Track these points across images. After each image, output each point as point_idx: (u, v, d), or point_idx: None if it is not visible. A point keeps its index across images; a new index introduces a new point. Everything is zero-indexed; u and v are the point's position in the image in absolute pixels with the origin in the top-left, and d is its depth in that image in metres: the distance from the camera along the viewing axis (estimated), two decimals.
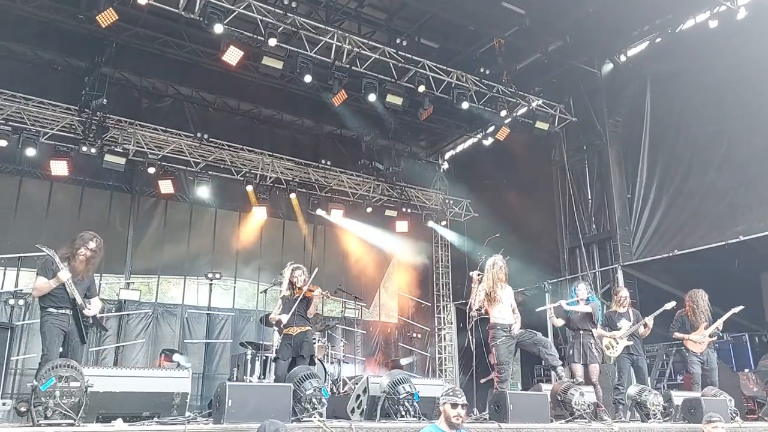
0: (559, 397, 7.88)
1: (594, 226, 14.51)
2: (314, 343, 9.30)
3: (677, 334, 9.75)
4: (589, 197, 14.74)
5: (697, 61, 12.90)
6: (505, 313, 8.47)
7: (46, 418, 5.07)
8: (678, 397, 8.74)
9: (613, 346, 9.41)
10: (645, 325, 9.42)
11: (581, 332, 9.35)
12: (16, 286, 13.46)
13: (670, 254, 12.69)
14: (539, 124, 14.57)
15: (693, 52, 13.00)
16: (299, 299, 8.34)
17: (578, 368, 9.21)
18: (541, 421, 7.35)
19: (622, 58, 14.80)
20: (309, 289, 8.64)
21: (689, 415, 8.25)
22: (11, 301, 12.76)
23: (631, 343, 9.40)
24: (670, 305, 9.50)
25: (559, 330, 11.00)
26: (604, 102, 14.73)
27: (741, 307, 9.58)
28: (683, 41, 13.41)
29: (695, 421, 7.87)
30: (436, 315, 19.01)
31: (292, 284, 8.55)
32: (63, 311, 6.63)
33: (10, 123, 13.05)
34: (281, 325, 8.47)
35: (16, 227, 14.04)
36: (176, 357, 13.04)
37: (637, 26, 14.18)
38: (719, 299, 9.70)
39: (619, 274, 13.46)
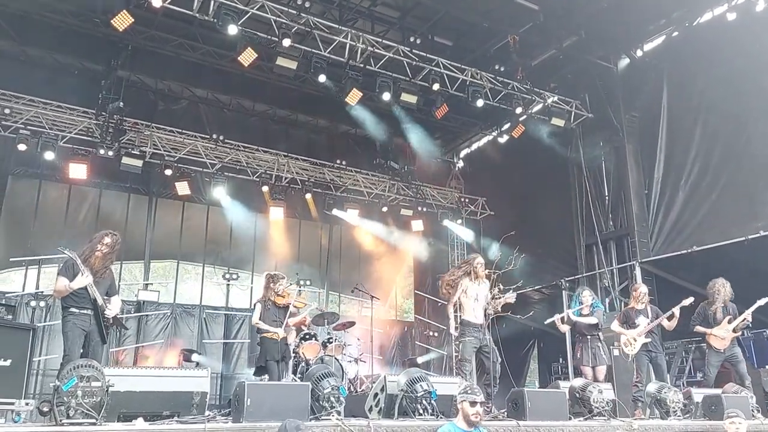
0: (577, 395, 7.84)
1: (611, 222, 14.40)
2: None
3: (699, 328, 9.40)
4: (606, 194, 14.62)
5: (715, 55, 12.72)
6: (477, 312, 8.45)
7: (68, 417, 5.10)
8: (698, 394, 8.64)
9: (630, 344, 9.34)
10: (671, 316, 9.18)
11: (588, 337, 9.42)
12: (37, 287, 13.63)
13: (689, 250, 12.57)
14: (555, 121, 14.49)
15: (711, 46, 12.84)
16: (288, 308, 9.14)
17: (588, 371, 9.40)
18: (559, 418, 7.30)
19: (639, 52, 14.67)
20: (301, 303, 9.63)
21: (710, 413, 8.16)
22: (32, 303, 12.90)
23: (649, 340, 9.30)
24: (688, 301, 9.30)
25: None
26: (620, 97, 14.57)
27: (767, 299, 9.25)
28: (701, 35, 13.25)
29: (716, 419, 7.78)
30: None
31: (271, 291, 9.13)
32: (85, 311, 6.72)
33: (29, 127, 13.20)
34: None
35: (36, 230, 14.25)
36: (195, 357, 13.14)
37: (654, 20, 14.04)
38: (739, 295, 9.56)
39: (637, 271, 13.35)
